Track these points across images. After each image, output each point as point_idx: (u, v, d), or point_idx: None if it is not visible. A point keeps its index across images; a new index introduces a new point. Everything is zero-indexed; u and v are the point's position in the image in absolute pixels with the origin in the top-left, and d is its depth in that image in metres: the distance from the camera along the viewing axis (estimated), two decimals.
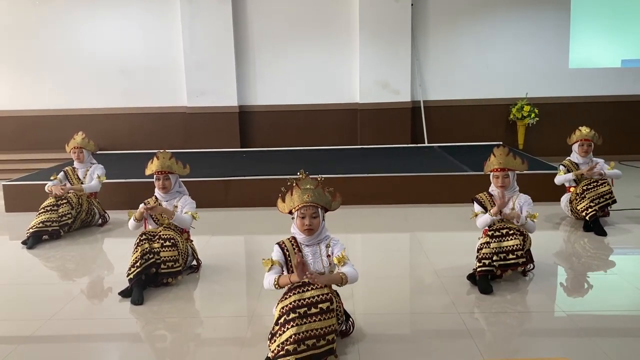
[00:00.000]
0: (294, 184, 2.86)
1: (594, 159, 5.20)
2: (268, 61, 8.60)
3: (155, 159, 3.98)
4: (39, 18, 8.49)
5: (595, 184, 4.95)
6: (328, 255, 2.89)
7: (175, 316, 3.36)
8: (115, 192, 5.92)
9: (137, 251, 3.66)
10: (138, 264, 3.61)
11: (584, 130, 5.16)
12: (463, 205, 5.69)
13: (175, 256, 3.74)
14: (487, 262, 3.61)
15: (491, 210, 3.78)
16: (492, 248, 3.61)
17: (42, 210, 4.95)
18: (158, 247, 3.72)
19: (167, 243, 3.75)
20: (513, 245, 3.61)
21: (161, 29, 8.52)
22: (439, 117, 8.62)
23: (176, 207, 4.02)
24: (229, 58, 8.34)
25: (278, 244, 2.93)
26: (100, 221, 5.45)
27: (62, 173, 5.41)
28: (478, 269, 3.64)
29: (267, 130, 8.73)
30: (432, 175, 6.17)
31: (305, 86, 8.63)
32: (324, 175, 2.99)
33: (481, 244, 3.70)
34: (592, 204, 4.84)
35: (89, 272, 4.29)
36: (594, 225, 4.84)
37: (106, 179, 5.47)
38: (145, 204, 4.02)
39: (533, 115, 8.27)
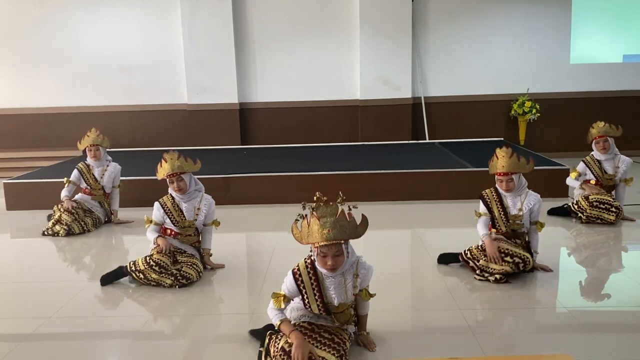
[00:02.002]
0: (311, 212, 2.41)
1: (621, 156, 5.09)
2: (268, 58, 8.58)
3: (163, 161, 3.81)
4: (39, 16, 8.47)
5: (608, 206, 4.87)
6: (354, 286, 2.61)
7: (176, 314, 3.36)
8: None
9: (151, 256, 3.69)
10: (142, 268, 3.66)
11: (598, 126, 5.05)
12: (464, 202, 5.69)
13: (192, 275, 3.74)
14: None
15: (490, 234, 3.76)
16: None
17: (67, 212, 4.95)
18: (181, 264, 3.77)
19: (189, 261, 3.80)
20: (513, 251, 3.62)
21: (161, 27, 8.51)
22: (440, 113, 8.60)
23: (199, 209, 3.94)
24: (229, 55, 8.33)
25: (293, 273, 2.57)
26: (105, 219, 5.44)
27: (75, 172, 5.25)
28: (465, 256, 3.83)
29: (268, 127, 8.73)
30: (433, 172, 6.15)
31: (306, 83, 8.62)
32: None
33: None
34: (591, 213, 4.89)
35: (90, 269, 4.29)
36: (560, 212, 5.15)
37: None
38: (160, 242, 3.79)
39: (534, 111, 8.25)
